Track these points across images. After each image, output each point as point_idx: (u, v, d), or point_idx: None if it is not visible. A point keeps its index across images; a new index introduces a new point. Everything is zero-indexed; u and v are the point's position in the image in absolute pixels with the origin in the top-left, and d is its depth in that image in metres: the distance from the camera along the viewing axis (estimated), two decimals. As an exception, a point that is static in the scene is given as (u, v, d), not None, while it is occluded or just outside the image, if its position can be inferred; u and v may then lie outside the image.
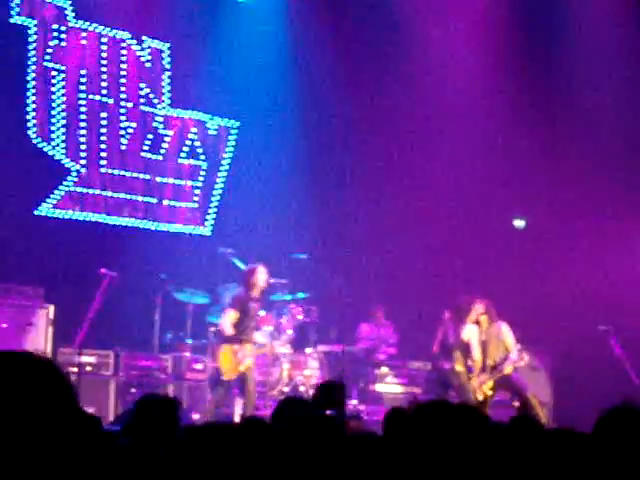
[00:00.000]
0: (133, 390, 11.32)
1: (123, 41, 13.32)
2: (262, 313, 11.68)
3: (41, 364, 1.61)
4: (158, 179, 13.60)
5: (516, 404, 10.83)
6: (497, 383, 10.86)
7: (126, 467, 3.59)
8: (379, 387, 12.85)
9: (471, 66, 14.05)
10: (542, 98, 13.97)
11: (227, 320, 10.76)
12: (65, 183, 12.75)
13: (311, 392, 12.07)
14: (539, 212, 14.11)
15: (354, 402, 12.17)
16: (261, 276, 10.87)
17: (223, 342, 10.76)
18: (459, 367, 10.84)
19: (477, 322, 10.95)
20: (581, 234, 13.66)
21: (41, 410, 1.55)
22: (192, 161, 13.93)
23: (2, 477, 1.49)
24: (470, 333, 10.88)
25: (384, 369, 13.03)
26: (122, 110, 13.31)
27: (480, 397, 10.73)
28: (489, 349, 10.90)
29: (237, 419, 10.61)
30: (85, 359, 10.90)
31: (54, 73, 12.70)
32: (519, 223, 14.64)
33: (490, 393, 10.83)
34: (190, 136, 13.90)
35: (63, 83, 12.77)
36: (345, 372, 11.40)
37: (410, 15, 14.16)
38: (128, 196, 13.28)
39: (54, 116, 12.68)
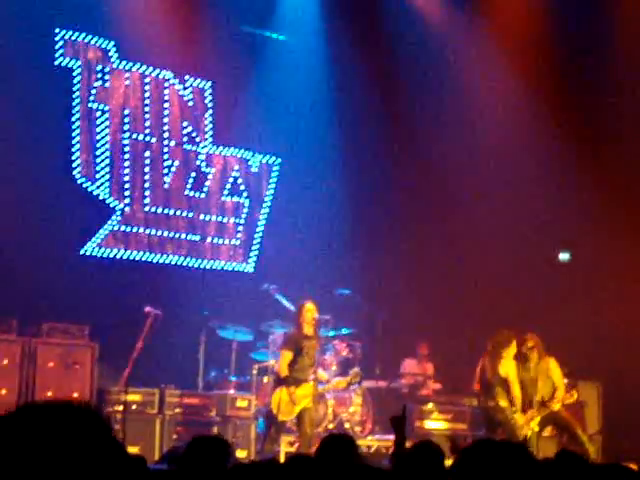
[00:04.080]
0: (178, 428, 11.32)
1: (166, 80, 13.46)
2: (326, 356, 11.66)
3: (83, 413, 1.58)
4: (201, 217, 13.67)
5: (564, 439, 10.68)
6: (545, 419, 10.71)
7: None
8: (425, 424, 12.72)
9: (516, 100, 13.98)
10: (589, 130, 13.86)
11: (282, 361, 10.73)
12: (109, 222, 12.85)
13: (356, 428, 11.98)
14: (585, 245, 13.97)
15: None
16: (308, 313, 10.83)
17: (277, 384, 10.73)
18: (503, 403, 10.70)
19: (518, 357, 10.82)
20: (627, 267, 13.49)
21: (85, 461, 1.52)
22: (235, 198, 14.00)
23: None
24: (507, 368, 10.74)
25: (430, 405, 12.90)
26: (165, 149, 13.43)
27: (528, 433, 10.58)
28: (538, 385, 10.75)
29: (282, 457, 10.56)
30: (131, 397, 10.93)
31: (98, 113, 12.86)
32: (564, 256, 14.51)
33: (537, 429, 10.68)
34: (232, 173, 13.98)
35: (107, 123, 12.92)
36: (390, 408, 11.29)
37: (453, 54, 14.18)
38: (172, 234, 13.37)
39: (98, 156, 12.83)
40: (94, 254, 12.64)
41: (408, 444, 7.39)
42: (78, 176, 12.65)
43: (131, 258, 12.96)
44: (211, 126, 13.84)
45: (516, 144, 13.96)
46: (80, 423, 1.55)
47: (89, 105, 12.80)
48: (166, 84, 13.48)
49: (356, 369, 11.70)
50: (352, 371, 11.65)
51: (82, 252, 12.52)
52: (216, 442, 4.37)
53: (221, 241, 13.84)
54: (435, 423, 12.75)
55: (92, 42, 12.82)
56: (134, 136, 13.17)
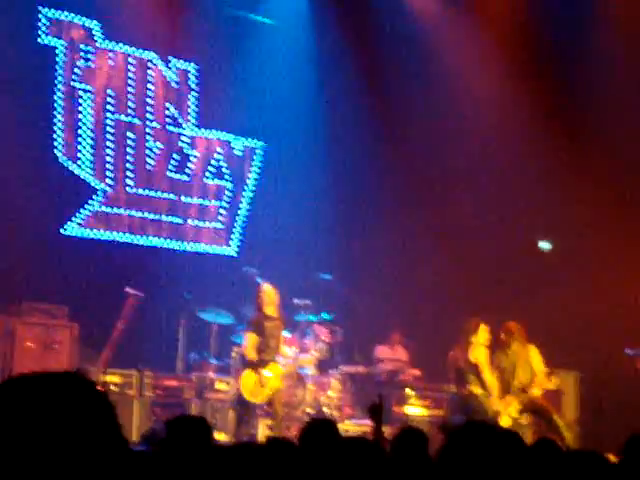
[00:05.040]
0: (156, 410, 11.32)
1: (150, 61, 13.40)
2: (287, 334, 11.65)
3: (85, 386, 1.56)
4: (183, 199, 13.64)
5: (542, 427, 10.75)
6: (524, 406, 10.78)
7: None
8: (404, 409, 12.77)
9: (501, 88, 14.00)
10: (569, 116, 13.89)
11: (247, 344, 10.77)
12: (91, 202, 12.80)
13: (335, 413, 12.02)
14: (565, 233, 14.01)
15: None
16: (265, 296, 10.86)
17: (246, 366, 10.77)
18: (476, 389, 10.77)
19: (497, 343, 10.89)
20: (608, 256, 13.55)
21: (88, 434, 1.50)
22: (217, 181, 13.97)
23: None
24: (477, 354, 10.82)
25: (408, 391, 12.95)
26: (148, 130, 13.37)
27: (505, 419, 10.65)
28: (517, 371, 10.82)
29: (261, 439, 10.58)
30: (110, 378, 10.91)
31: (81, 93, 12.78)
32: (544, 245, 14.55)
33: (515, 415, 10.75)
34: (216, 156, 13.95)
35: (90, 103, 12.85)
36: (368, 394, 11.33)
37: (438, 40, 14.20)
38: (153, 216, 13.32)
39: (81, 136, 12.76)
40: (75, 234, 12.59)
41: (388, 430, 7.44)
42: (60, 155, 12.59)
43: (112, 239, 12.92)
44: (195, 108, 13.79)
45: (499, 132, 13.98)
46: (78, 393, 1.54)
47: (72, 85, 12.73)
48: (150, 65, 13.41)
49: (322, 345, 11.86)
50: (318, 346, 11.83)
51: (63, 232, 12.47)
52: (197, 422, 4.37)
53: (203, 224, 13.81)
54: (414, 409, 12.80)
55: (76, 21, 12.74)
56: (117, 117, 13.10)
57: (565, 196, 13.75)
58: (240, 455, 3.41)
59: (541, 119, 13.72)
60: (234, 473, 3.13)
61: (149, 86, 13.38)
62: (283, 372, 10.88)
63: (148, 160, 13.35)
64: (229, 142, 14.10)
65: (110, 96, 13.04)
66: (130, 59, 13.23)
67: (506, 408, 10.70)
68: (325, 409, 11.97)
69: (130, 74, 13.20)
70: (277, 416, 10.61)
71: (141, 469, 3.78)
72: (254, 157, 14.28)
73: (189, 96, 13.75)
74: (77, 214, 12.64)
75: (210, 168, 13.90)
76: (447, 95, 14.18)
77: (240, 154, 14.17)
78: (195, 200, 13.75)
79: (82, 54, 12.79)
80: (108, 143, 13.01)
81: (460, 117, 14.18)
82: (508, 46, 13.98)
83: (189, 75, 13.75)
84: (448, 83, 14.22)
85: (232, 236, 14.05)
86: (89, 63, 12.85)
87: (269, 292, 10.91)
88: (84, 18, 12.77)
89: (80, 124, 12.77)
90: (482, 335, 10.86)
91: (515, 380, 10.80)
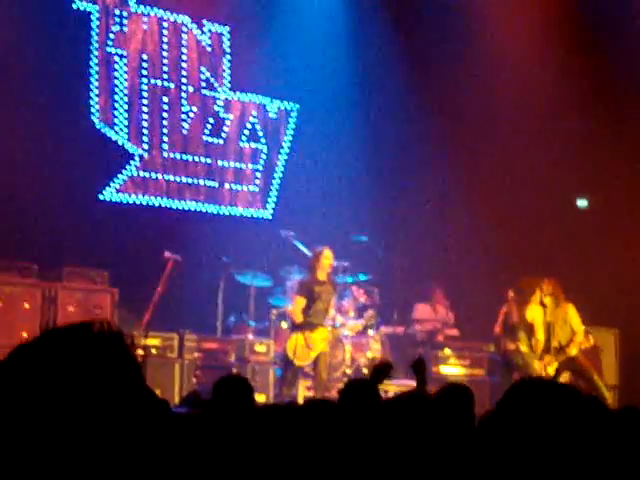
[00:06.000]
0: (197, 372, 11.42)
1: (184, 25, 13.38)
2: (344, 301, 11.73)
3: (107, 339, 1.54)
4: (219, 163, 13.66)
5: (582, 386, 10.73)
6: (562, 365, 10.77)
7: (197, 447, 3.61)
8: (442, 369, 12.80)
9: (537, 50, 13.84)
10: (607, 79, 13.72)
11: (295, 307, 10.83)
12: (128, 167, 12.86)
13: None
14: (603, 191, 13.90)
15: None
16: (325, 260, 10.89)
17: (293, 329, 10.84)
18: (524, 347, 10.77)
19: (542, 303, 10.86)
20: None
21: (109, 389, 1.48)
22: (253, 144, 13.97)
23: (72, 458, 1.46)
24: (534, 313, 10.80)
25: (447, 351, 12.97)
26: (183, 94, 13.38)
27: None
28: (555, 330, 10.81)
29: (300, 400, 10.67)
30: (150, 342, 11.02)
31: (116, 58, 12.81)
32: (582, 203, 14.46)
33: (553, 374, 10.74)
34: (251, 119, 13.94)
35: (125, 68, 12.88)
36: (407, 354, 11.37)
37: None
38: (190, 180, 13.37)
39: (117, 101, 12.80)
40: (113, 199, 12.67)
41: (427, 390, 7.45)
42: (97, 121, 12.64)
43: (150, 204, 12.99)
44: (229, 72, 13.77)
45: (537, 92, 13.84)
46: (99, 347, 1.52)
47: (107, 50, 12.75)
48: (184, 29, 13.39)
49: (371, 312, 11.80)
50: (367, 314, 11.75)
51: (101, 197, 12.55)
52: (241, 382, 4.42)
53: (239, 187, 13.84)
54: (452, 368, 12.83)
55: (109, -14, 12.74)
56: (152, 81, 13.12)
57: (602, 155, 13.61)
58: (282, 416, 3.45)
59: (577, 78, 13.56)
60: (276, 434, 3.17)
61: (183, 50, 13.37)
62: (329, 337, 10.91)
63: (183, 124, 13.37)
64: (264, 105, 14.08)
65: (144, 61, 13.05)
66: (164, 23, 13.22)
67: (545, 368, 10.70)
68: (364, 370, 12.02)
69: (164, 38, 13.20)
70: (320, 379, 10.68)
71: (182, 431, 3.83)
72: (289, 119, 14.26)
73: (223, 59, 13.73)
74: (114, 179, 12.72)
75: (245, 131, 13.90)
76: (485, 56, 14.01)
77: (275, 117, 14.15)
78: (231, 164, 13.77)
79: (116, 19, 12.79)
80: (143, 108, 13.04)
81: (497, 77, 14.02)
82: (548, 3, 13.82)
83: (223, 38, 13.72)
84: (486, 42, 14.05)
85: (268, 199, 14.07)
86: (123, 28, 12.86)
87: (329, 257, 10.93)
88: (117, -17, 12.76)
89: (115, 89, 12.81)
90: (539, 295, 10.83)
91: (554, 340, 10.78)
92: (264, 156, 14.06)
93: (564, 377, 11.21)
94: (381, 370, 6.56)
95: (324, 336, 10.78)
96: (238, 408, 4.12)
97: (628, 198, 13.52)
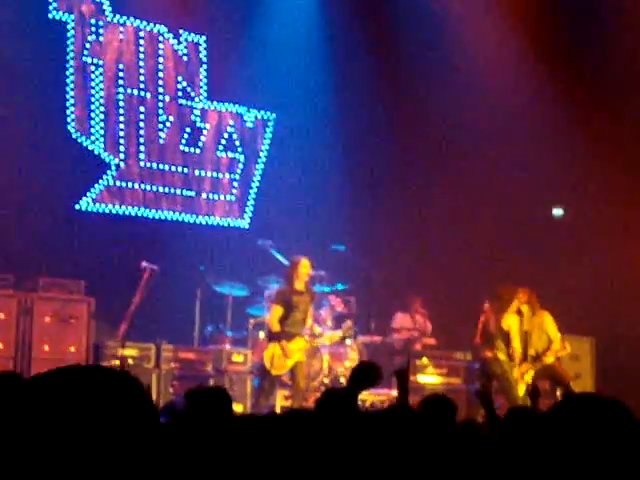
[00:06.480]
0: (174, 383, 11.38)
1: (160, 35, 13.37)
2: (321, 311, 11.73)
3: (125, 380, 1.61)
4: (196, 172, 13.65)
5: (558, 393, 10.77)
6: (539, 373, 10.81)
7: (178, 457, 3.60)
8: (419, 378, 12.81)
9: (511, 56, 13.91)
10: (585, 86, 13.81)
11: (272, 316, 10.79)
12: (105, 177, 12.83)
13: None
14: (579, 201, 13.98)
15: (394, 393, 12.12)
16: (303, 269, 10.87)
17: (270, 339, 10.81)
18: (501, 355, 10.80)
19: (518, 311, 10.90)
20: (621, 221, 13.52)
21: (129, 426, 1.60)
22: (230, 154, 13.96)
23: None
24: (511, 321, 10.83)
25: (424, 360, 12.98)
26: (160, 104, 13.37)
27: (522, 387, 10.68)
28: (532, 339, 10.85)
29: (278, 410, 10.64)
30: (127, 352, 10.97)
31: (92, 68, 12.78)
32: (557, 212, 14.53)
33: (530, 382, 10.77)
34: (228, 129, 13.94)
35: (101, 77, 12.85)
36: (384, 363, 11.35)
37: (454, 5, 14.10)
38: (167, 189, 13.34)
39: (93, 110, 12.77)
40: (90, 209, 12.62)
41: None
42: (73, 131, 12.60)
43: (126, 213, 12.95)
44: (206, 81, 13.77)
45: (512, 100, 13.91)
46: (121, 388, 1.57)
47: (83, 59, 12.72)
48: (160, 38, 13.38)
49: (349, 322, 11.78)
50: (345, 324, 11.73)
51: (78, 207, 12.50)
52: (217, 393, 4.40)
53: (216, 197, 13.83)
54: (430, 377, 12.84)
55: (85, -4, 12.71)
56: (128, 91, 13.10)
57: (579, 163, 13.69)
58: (260, 426, 3.44)
59: (554, 86, 13.65)
60: (254, 444, 3.16)
61: (159, 59, 13.36)
62: (306, 346, 10.88)
63: (160, 134, 13.35)
64: (241, 114, 14.08)
65: (121, 70, 13.03)
66: (140, 33, 13.21)
67: (523, 376, 10.73)
68: (342, 379, 12.00)
69: (140, 48, 13.18)
70: (299, 388, 10.64)
71: (161, 441, 3.82)
72: (266, 129, 14.26)
73: (200, 69, 13.73)
74: (91, 189, 12.67)
75: (222, 141, 13.89)
76: (461, 62, 14.08)
77: (252, 126, 14.15)
78: (208, 173, 13.75)
79: (92, 28, 12.77)
80: (120, 117, 13.01)
81: (473, 85, 14.07)
82: (525, 13, 13.88)
83: (199, 48, 13.71)
84: (463, 47, 14.10)
85: (245, 209, 14.06)
86: (99, 37, 12.84)
87: (307, 266, 10.90)
88: (93, -8, 12.73)
89: (92, 99, 12.77)
90: (516, 303, 10.87)
91: (530, 348, 10.82)
92: (241, 165, 14.05)
93: (542, 385, 11.24)
94: (363, 374, 6.50)
95: (301, 346, 10.76)
96: (216, 418, 4.11)
97: (604, 208, 13.60)
